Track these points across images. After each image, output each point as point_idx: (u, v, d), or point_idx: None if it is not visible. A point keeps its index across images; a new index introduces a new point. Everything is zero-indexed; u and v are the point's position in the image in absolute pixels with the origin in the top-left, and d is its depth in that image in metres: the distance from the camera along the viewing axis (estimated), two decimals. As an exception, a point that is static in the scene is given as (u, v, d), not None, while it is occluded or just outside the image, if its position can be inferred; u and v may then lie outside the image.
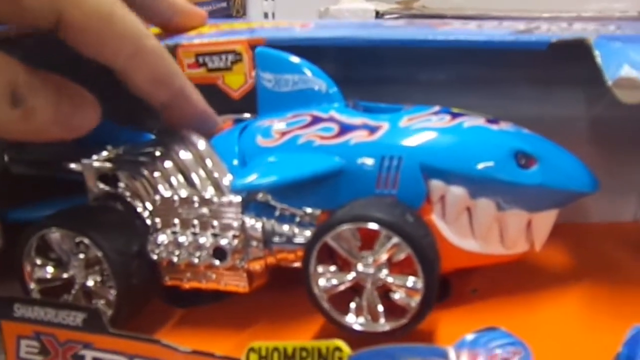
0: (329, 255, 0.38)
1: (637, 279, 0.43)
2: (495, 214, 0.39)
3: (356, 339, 0.35)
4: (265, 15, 1.20)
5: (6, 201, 0.47)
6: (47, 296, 0.42)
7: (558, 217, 0.41)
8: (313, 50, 0.44)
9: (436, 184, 0.39)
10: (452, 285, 0.43)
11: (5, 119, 0.36)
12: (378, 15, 0.74)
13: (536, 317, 0.40)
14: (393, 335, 0.36)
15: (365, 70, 0.48)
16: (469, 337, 0.33)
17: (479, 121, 0.40)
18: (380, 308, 0.37)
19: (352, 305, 0.37)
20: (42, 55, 0.39)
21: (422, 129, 0.39)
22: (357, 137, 0.39)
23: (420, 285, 0.35)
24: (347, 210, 0.37)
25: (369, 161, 0.39)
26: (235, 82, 0.44)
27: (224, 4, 1.14)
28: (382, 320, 0.37)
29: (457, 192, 0.38)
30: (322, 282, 0.37)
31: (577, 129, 0.50)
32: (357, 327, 0.37)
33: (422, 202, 0.39)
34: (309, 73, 0.42)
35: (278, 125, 0.42)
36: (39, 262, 0.42)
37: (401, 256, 0.36)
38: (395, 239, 0.35)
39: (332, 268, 0.38)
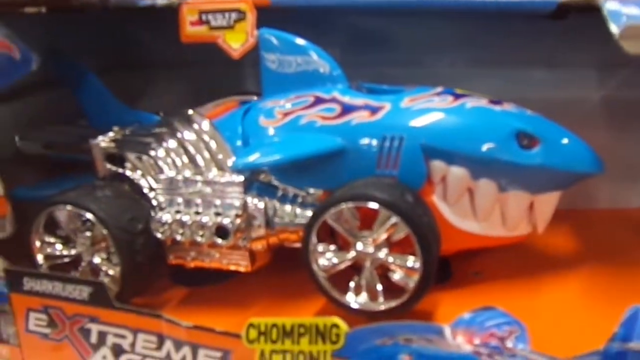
0: (329, 235, 0.38)
1: (636, 267, 0.43)
2: (496, 195, 0.39)
3: (355, 317, 0.36)
4: None
5: (17, 182, 0.48)
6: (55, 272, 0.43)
7: (564, 203, 0.41)
8: (319, 16, 0.43)
9: (437, 165, 0.38)
10: (454, 267, 0.43)
11: None
12: None
13: (537, 299, 0.40)
14: (391, 314, 0.36)
15: (371, 50, 0.48)
16: (466, 316, 0.33)
17: (481, 102, 0.40)
18: (379, 287, 0.37)
19: (352, 284, 0.38)
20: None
21: (424, 109, 0.39)
22: (359, 117, 0.40)
23: (418, 264, 0.35)
24: (346, 189, 0.37)
25: (370, 141, 0.39)
26: (236, 41, 0.43)
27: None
28: (380, 299, 0.37)
29: (458, 172, 0.38)
30: (322, 261, 0.38)
31: (587, 111, 0.49)
32: (355, 306, 0.37)
33: (423, 182, 0.39)
34: (313, 55, 0.42)
35: (280, 105, 0.42)
36: (47, 238, 0.43)
37: (400, 235, 0.36)
38: (393, 219, 0.36)
39: (332, 247, 0.38)
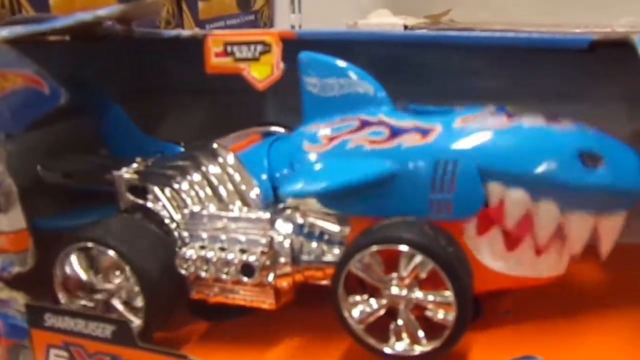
0: (358, 284, 0.37)
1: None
2: (559, 218, 0.37)
3: None
4: (292, 28, 1.20)
5: (37, 212, 0.47)
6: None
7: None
8: (345, 49, 0.43)
9: (495, 187, 0.37)
10: (484, 305, 0.42)
11: None
12: (406, 29, 0.74)
13: (574, 344, 0.39)
14: (435, 355, 0.35)
15: (398, 83, 0.48)
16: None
17: (538, 120, 0.38)
18: (419, 329, 0.36)
19: (391, 329, 0.37)
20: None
21: (479, 129, 0.38)
22: (409, 140, 0.38)
23: (451, 298, 0.34)
24: (361, 237, 0.37)
25: (423, 165, 0.37)
26: (261, 73, 0.43)
27: (252, 17, 1.15)
28: (423, 341, 0.36)
29: (518, 195, 0.37)
30: (355, 312, 0.37)
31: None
32: (397, 351, 0.36)
33: (481, 206, 0.37)
34: (354, 76, 0.41)
35: (325, 130, 0.41)
36: (70, 273, 0.42)
37: (426, 271, 0.35)
38: (418, 256, 0.35)
39: (365, 296, 0.37)
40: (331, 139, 0.40)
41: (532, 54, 0.43)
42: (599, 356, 0.38)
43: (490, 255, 0.38)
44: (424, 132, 0.38)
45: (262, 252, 0.39)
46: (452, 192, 0.37)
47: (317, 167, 0.40)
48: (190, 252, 0.40)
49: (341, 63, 0.42)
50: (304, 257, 0.40)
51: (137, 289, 0.40)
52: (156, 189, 0.43)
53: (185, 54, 0.48)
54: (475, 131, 0.38)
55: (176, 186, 0.43)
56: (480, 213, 0.37)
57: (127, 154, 0.47)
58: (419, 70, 0.50)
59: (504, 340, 0.39)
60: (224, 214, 0.40)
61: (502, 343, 0.38)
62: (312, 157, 0.40)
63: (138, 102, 0.57)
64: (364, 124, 0.40)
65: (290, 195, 0.39)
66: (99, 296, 0.42)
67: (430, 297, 0.36)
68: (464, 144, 0.37)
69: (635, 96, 0.46)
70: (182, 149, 0.50)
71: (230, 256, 0.39)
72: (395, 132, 0.39)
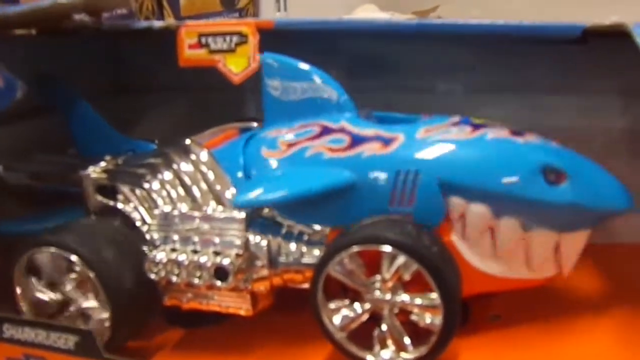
0: (340, 289, 0.35)
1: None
2: (520, 234, 0.36)
3: None
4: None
5: (1, 215, 0.45)
6: (40, 317, 0.39)
7: (590, 238, 0.38)
8: (326, 40, 0.41)
9: (456, 201, 0.36)
10: (472, 310, 0.40)
11: None
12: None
13: (562, 347, 0.37)
14: None
15: (381, 75, 0.46)
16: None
17: (502, 133, 0.37)
18: (405, 335, 0.34)
19: (375, 335, 0.34)
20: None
21: (441, 141, 0.36)
22: (370, 149, 0.37)
23: (438, 300, 0.32)
24: (339, 238, 0.35)
25: (383, 176, 0.36)
26: (237, 65, 0.41)
27: (236, 15, 1.13)
28: (409, 347, 0.34)
29: (479, 210, 0.35)
30: (336, 319, 0.35)
31: (609, 139, 0.46)
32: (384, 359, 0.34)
33: (441, 220, 0.36)
34: (318, 80, 0.40)
35: (285, 135, 0.40)
36: (30, 281, 0.39)
37: (410, 272, 0.33)
38: (400, 257, 0.33)
39: (346, 301, 0.35)
40: (290, 145, 0.39)
41: (524, 46, 0.41)
42: (583, 355, 0.36)
43: (478, 256, 0.36)
44: (386, 142, 0.37)
45: (237, 255, 0.37)
46: (412, 205, 0.35)
47: (274, 174, 0.38)
48: (160, 256, 0.38)
49: (304, 66, 0.40)
50: (282, 259, 0.38)
51: (103, 297, 0.37)
52: (126, 189, 0.41)
53: (161, 49, 0.46)
54: (438, 142, 0.36)
55: (147, 186, 0.40)
56: (440, 227, 0.36)
57: (98, 153, 0.45)
58: (405, 63, 0.48)
59: (491, 344, 0.37)
60: (197, 214, 0.38)
61: (489, 347, 0.36)
62: (270, 163, 0.39)
63: (113, 100, 0.55)
64: (325, 131, 0.39)
65: (244, 204, 0.37)
66: (61, 298, 0.39)
67: (415, 301, 0.33)
68: (425, 155, 0.36)
69: (630, 89, 0.44)
70: (155, 147, 0.47)
71: (203, 259, 0.37)
72: (356, 141, 0.37)
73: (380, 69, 0.43)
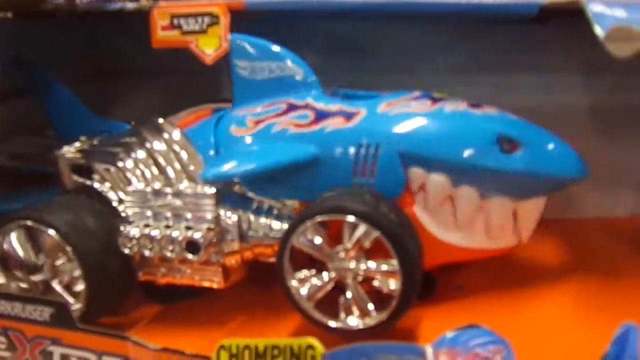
0: (307, 259, 0.36)
1: (629, 276, 0.42)
2: (478, 202, 0.37)
3: (350, 338, 0.34)
4: None
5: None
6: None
7: (548, 212, 0.39)
8: (297, 20, 0.42)
9: (417, 172, 0.37)
10: (438, 282, 0.42)
11: None
12: None
13: (522, 314, 0.39)
14: (383, 327, 0.34)
15: (351, 56, 0.47)
16: (449, 335, 0.31)
17: (460, 106, 0.39)
18: (369, 302, 0.35)
19: (340, 303, 0.36)
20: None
21: (401, 114, 0.38)
22: (333, 124, 0.38)
23: (396, 266, 0.33)
24: (305, 210, 0.36)
25: (345, 149, 0.37)
26: (209, 46, 0.42)
27: None
28: (373, 313, 0.35)
29: (438, 179, 0.37)
30: (303, 290, 0.36)
31: (572, 117, 0.48)
32: (349, 325, 0.35)
33: (402, 190, 0.37)
34: (286, 61, 0.41)
35: (252, 113, 0.41)
36: (9, 250, 0.40)
37: (370, 240, 0.34)
38: (361, 225, 0.34)
39: (312, 271, 0.36)
40: (257, 122, 0.40)
41: (485, 26, 0.42)
42: (542, 323, 0.38)
43: (439, 226, 0.38)
44: (348, 116, 0.38)
45: (208, 229, 0.38)
46: (374, 176, 0.37)
47: (241, 150, 0.39)
48: (134, 231, 0.39)
49: (272, 46, 0.41)
50: (252, 234, 0.39)
51: (78, 271, 0.38)
52: (101, 168, 0.42)
53: (138, 32, 0.46)
54: (398, 115, 0.38)
55: (120, 164, 0.41)
56: (401, 198, 0.37)
57: (76, 135, 0.46)
58: (367, 45, 0.49)
59: (454, 313, 0.39)
60: (169, 191, 0.39)
61: (452, 316, 0.38)
62: (237, 140, 0.40)
63: (90, 83, 0.56)
64: (291, 108, 0.40)
65: (211, 177, 0.38)
66: (38, 277, 0.40)
67: (377, 267, 0.35)
68: (385, 128, 0.37)
69: (591, 66, 0.45)
70: (129, 127, 0.48)
71: (175, 233, 0.38)
72: (320, 116, 0.39)
73: (351, 50, 0.44)
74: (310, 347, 0.31)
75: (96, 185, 0.42)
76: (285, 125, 0.39)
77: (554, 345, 0.35)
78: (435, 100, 0.39)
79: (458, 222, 0.38)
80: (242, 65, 0.41)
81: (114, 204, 0.41)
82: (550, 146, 0.38)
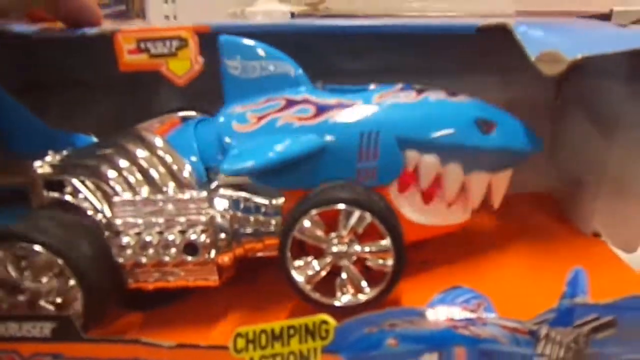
0: (299, 247, 0.40)
1: (556, 240, 0.51)
2: (462, 178, 0.44)
3: (345, 314, 0.37)
4: (167, 18, 1.17)
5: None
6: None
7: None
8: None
9: (411, 154, 0.42)
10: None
11: None
12: (293, 16, 0.76)
13: (486, 277, 0.45)
14: (377, 300, 0.39)
15: (307, 63, 0.51)
16: (438, 297, 0.37)
17: (441, 95, 0.44)
18: (362, 280, 0.40)
19: (337, 283, 0.40)
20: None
21: (394, 104, 0.43)
22: (336, 115, 0.42)
23: (389, 244, 0.38)
24: (302, 203, 0.39)
25: (350, 137, 0.41)
26: (180, 68, 0.43)
27: (123, 7, 1.10)
28: (366, 289, 0.39)
29: (430, 159, 0.42)
30: (303, 274, 0.39)
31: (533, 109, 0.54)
32: (347, 302, 0.39)
33: (401, 170, 0.42)
34: (275, 58, 0.43)
35: (252, 110, 0.43)
36: None
37: (364, 226, 0.39)
38: (357, 213, 0.38)
39: (309, 258, 0.40)
40: (260, 118, 0.42)
41: (432, 38, 0.49)
42: (505, 281, 0.45)
43: (411, 209, 0.43)
44: (348, 108, 0.42)
45: (202, 230, 0.40)
46: (376, 160, 0.41)
47: (251, 144, 0.41)
48: (126, 239, 0.40)
49: (262, 45, 0.43)
50: (243, 231, 0.41)
51: (72, 283, 0.38)
52: (75, 181, 0.41)
53: (78, 45, 0.46)
54: (392, 105, 0.43)
55: (100, 175, 0.41)
56: (400, 177, 0.42)
57: (31, 150, 0.44)
58: (330, 59, 0.53)
59: (428, 283, 0.44)
60: (160, 197, 0.40)
61: (427, 286, 0.43)
62: (242, 135, 0.42)
63: (32, 98, 0.53)
64: (290, 103, 0.43)
65: (230, 172, 0.40)
66: (21, 297, 0.39)
67: (370, 249, 0.39)
68: (383, 116, 0.42)
69: (507, 69, 0.54)
70: (95, 140, 0.48)
71: (170, 237, 0.40)
72: (321, 109, 0.42)
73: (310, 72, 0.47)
74: (324, 322, 0.35)
75: (69, 198, 0.41)
76: (289, 119, 0.41)
77: (521, 296, 0.41)
78: (417, 90, 0.44)
79: (445, 196, 0.44)
80: (233, 64, 0.43)
81: (92, 215, 0.41)
82: (516, 125, 0.45)
